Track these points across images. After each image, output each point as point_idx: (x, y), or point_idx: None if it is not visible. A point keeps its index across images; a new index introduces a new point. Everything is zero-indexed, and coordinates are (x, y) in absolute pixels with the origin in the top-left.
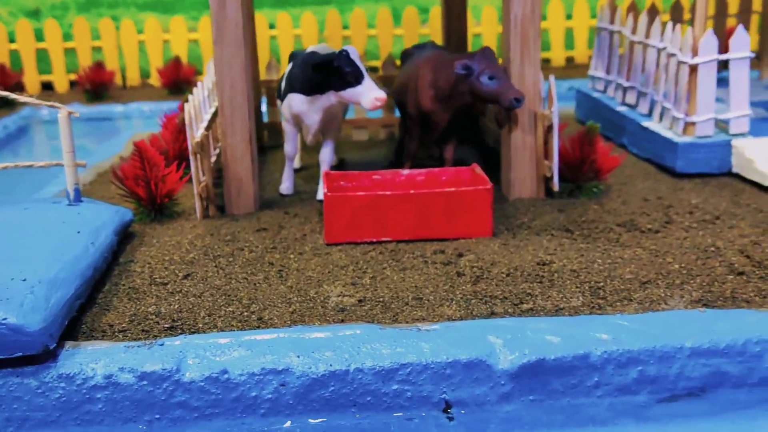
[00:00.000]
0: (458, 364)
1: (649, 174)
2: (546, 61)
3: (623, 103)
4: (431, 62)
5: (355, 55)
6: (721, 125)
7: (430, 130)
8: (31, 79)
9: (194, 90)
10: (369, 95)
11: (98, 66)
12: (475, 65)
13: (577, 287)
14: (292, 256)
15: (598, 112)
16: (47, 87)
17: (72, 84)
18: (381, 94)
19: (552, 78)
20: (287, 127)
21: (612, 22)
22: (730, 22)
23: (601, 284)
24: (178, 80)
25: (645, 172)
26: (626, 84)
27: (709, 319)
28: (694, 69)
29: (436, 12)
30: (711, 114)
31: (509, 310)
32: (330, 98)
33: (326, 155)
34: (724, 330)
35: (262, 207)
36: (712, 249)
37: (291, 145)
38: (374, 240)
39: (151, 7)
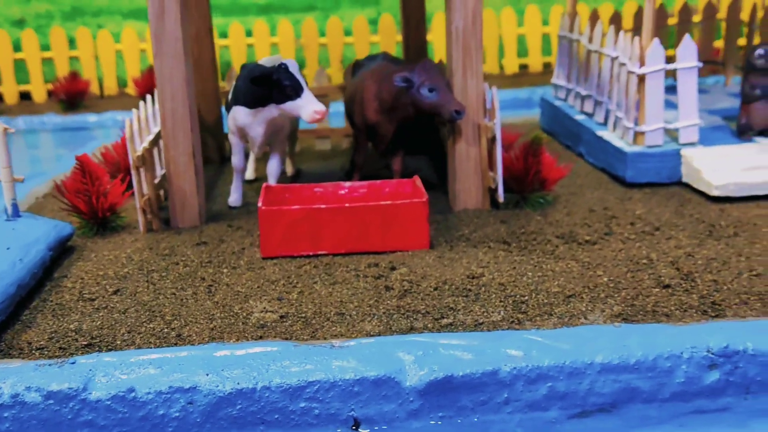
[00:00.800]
0: (366, 381)
1: (600, 184)
2: (524, 67)
3: (582, 112)
4: (376, 74)
5: (294, 69)
6: (675, 134)
7: (376, 141)
8: (9, 89)
9: (140, 103)
10: (308, 108)
11: (74, 76)
12: (415, 77)
13: (501, 301)
14: (225, 270)
15: (559, 121)
16: (25, 97)
17: (50, 94)
18: (320, 107)
19: (494, 89)
20: (233, 140)
21: (571, 30)
22: (695, 29)
23: (526, 298)
24: (154, 89)
25: (597, 181)
26: (584, 93)
27: (621, 334)
28: (642, 79)
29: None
30: (660, 123)
31: (429, 326)
32: (272, 111)
33: (273, 167)
34: (635, 345)
35: (209, 219)
36: (645, 261)
37: (238, 158)
38: (311, 254)
39: (134, 16)
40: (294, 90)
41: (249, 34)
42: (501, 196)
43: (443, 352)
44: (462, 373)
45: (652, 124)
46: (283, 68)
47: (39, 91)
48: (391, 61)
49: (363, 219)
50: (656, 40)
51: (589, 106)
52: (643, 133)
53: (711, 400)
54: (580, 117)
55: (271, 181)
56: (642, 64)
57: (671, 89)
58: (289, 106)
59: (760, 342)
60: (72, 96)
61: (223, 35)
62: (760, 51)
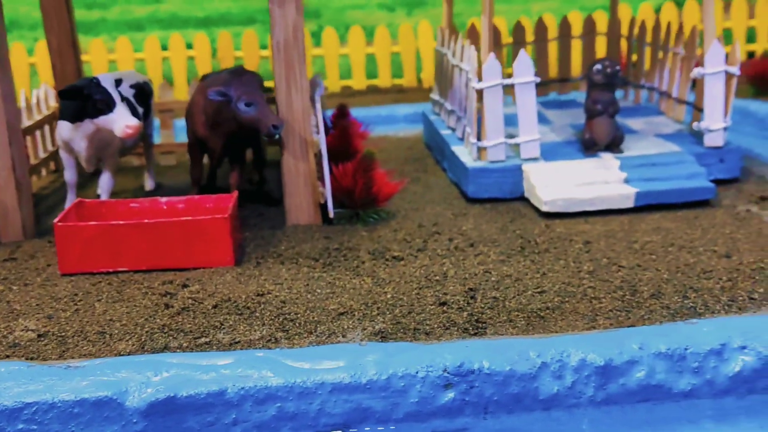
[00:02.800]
0: (86, 402)
1: (447, 199)
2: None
3: (448, 127)
4: (204, 88)
5: (107, 83)
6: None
7: (209, 155)
8: None
9: None
10: (120, 123)
11: None
12: (232, 92)
13: (272, 319)
14: (15, 287)
15: (433, 136)
16: None
17: None
18: (132, 122)
19: (318, 103)
20: (63, 155)
21: (442, 44)
22: (599, 41)
23: (298, 316)
24: None
25: (445, 197)
26: (449, 107)
27: (361, 353)
28: (480, 93)
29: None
30: (501, 139)
31: (185, 345)
32: (89, 126)
33: (104, 183)
34: (371, 364)
35: (39, 234)
36: (438, 278)
37: (69, 173)
38: (110, 270)
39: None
40: (106, 104)
41: (189, 46)
42: (331, 212)
43: (170, 373)
44: (186, 394)
45: (493, 140)
46: (94, 82)
47: None
48: (243, 75)
49: (163, 235)
50: (492, 55)
51: (453, 121)
52: (485, 148)
53: (448, 420)
54: (445, 132)
55: (104, 196)
56: (480, 78)
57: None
58: (103, 120)
59: (496, 361)
60: None
61: (164, 47)
62: (597, 66)
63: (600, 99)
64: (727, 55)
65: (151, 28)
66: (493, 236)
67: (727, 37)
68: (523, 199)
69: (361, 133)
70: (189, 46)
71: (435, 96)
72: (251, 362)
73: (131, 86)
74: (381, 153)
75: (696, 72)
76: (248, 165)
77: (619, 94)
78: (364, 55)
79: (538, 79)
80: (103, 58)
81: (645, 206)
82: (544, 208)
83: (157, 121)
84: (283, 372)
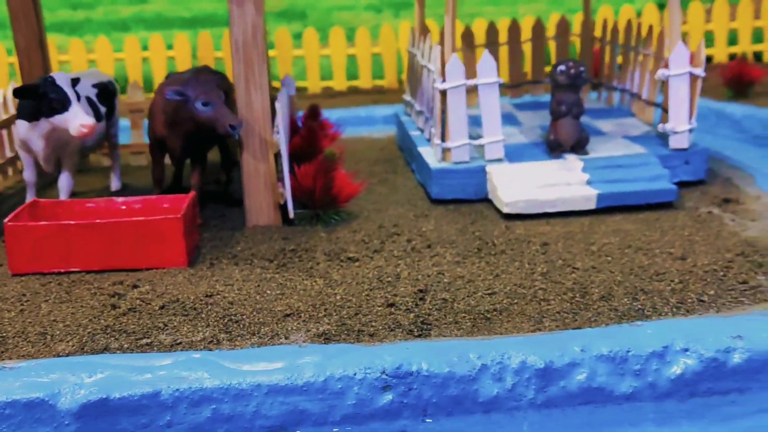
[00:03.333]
0: (18, 404)
1: (411, 200)
2: None
3: (418, 128)
4: (164, 88)
5: (63, 81)
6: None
7: (169, 155)
8: None
9: None
10: (75, 122)
11: None
12: (189, 91)
13: (217, 320)
14: None
15: (403, 137)
16: None
17: None
18: (87, 121)
19: (278, 102)
20: (21, 154)
21: (413, 45)
22: (550, 44)
23: (244, 317)
24: None
25: (411, 198)
26: (418, 108)
27: (299, 354)
28: (444, 94)
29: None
30: (465, 140)
31: (125, 346)
32: (45, 125)
33: (62, 183)
34: (308, 366)
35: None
36: (390, 279)
37: (28, 172)
38: (62, 270)
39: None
40: (60, 103)
41: (170, 47)
42: (291, 212)
43: (106, 374)
44: (120, 395)
45: (457, 141)
46: (49, 81)
47: None
48: (202, 75)
49: (115, 235)
50: (455, 56)
51: (421, 122)
52: (449, 149)
53: (386, 422)
54: (414, 133)
55: (62, 196)
56: (443, 79)
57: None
58: (58, 119)
59: (435, 363)
60: None
61: (144, 48)
62: (561, 67)
63: (564, 100)
64: (692, 56)
65: (136, 28)
66: (451, 237)
67: (709, 39)
68: (488, 201)
69: (331, 134)
70: (171, 47)
71: (407, 97)
72: (188, 364)
73: (94, 85)
74: (353, 154)
75: (660, 73)
76: (217, 165)
77: (593, 95)
78: (345, 57)
79: (501, 80)
80: (83, 58)
81: (607, 208)
82: (506, 210)
83: (125, 121)
84: (220, 374)
